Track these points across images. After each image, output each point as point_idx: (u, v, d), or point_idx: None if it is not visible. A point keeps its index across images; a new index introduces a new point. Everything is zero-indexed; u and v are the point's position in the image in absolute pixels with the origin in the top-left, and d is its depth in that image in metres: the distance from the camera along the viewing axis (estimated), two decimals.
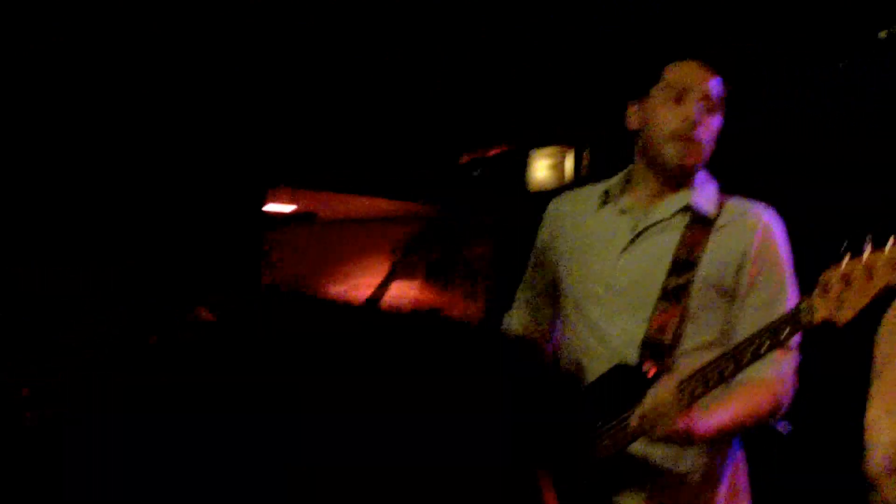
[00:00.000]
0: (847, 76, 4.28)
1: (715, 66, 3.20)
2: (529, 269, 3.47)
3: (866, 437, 2.10)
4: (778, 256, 3.14)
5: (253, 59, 5.39)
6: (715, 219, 3.15)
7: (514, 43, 5.31)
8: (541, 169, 5.53)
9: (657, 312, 3.09)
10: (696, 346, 3.07)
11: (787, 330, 2.77)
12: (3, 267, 5.25)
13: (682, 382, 2.87)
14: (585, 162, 5.61)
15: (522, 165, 5.51)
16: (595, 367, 3.14)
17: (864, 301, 2.40)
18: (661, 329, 3.08)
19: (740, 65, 3.46)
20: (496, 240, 7.13)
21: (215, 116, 5.67)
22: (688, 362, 3.00)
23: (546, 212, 3.44)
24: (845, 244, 2.57)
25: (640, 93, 3.25)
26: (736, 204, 3.20)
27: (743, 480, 3.19)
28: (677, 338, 3.08)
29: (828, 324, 2.59)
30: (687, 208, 3.16)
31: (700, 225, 3.16)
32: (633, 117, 3.25)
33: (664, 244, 3.15)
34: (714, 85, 3.16)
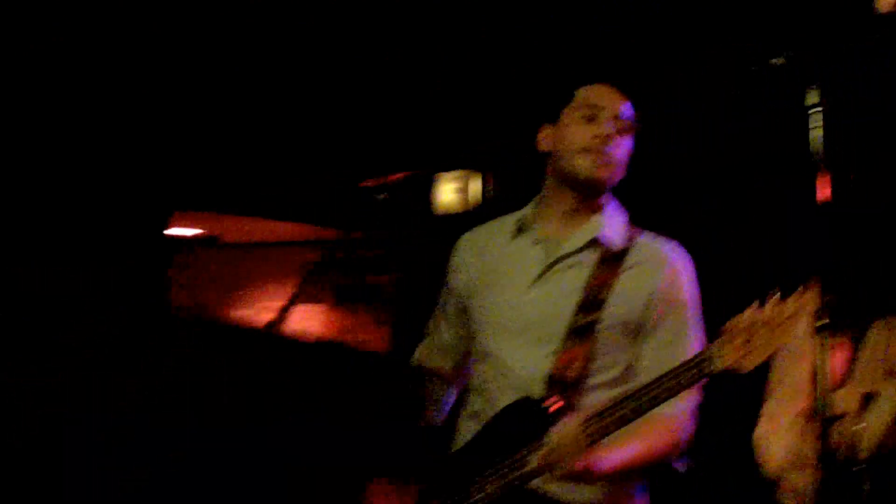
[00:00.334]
0: (745, 103, 4.35)
1: (626, 91, 3.24)
2: (441, 300, 3.46)
3: (757, 452, 2.13)
4: (683, 297, 3.16)
5: (154, 83, 5.34)
6: (624, 255, 3.17)
7: (419, 67, 5.31)
8: (446, 192, 5.53)
9: (564, 349, 3.10)
10: (601, 383, 3.09)
11: (690, 376, 2.79)
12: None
13: (586, 421, 2.88)
14: (491, 186, 5.61)
15: (428, 189, 5.50)
16: (501, 400, 3.14)
17: (768, 351, 2.40)
18: (568, 365, 3.09)
19: (650, 90, 3.50)
20: (402, 264, 7.11)
21: (115, 140, 5.60)
22: (592, 399, 3.01)
23: (457, 244, 3.44)
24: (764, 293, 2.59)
25: (552, 115, 3.27)
26: (645, 241, 3.22)
27: None
28: (583, 374, 3.09)
29: (730, 372, 2.60)
30: (596, 241, 3.18)
31: (609, 262, 3.17)
32: (545, 139, 3.26)
33: (574, 280, 3.16)
34: (625, 108, 3.20)
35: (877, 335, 1.92)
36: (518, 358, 3.14)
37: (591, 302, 3.13)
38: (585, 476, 2.90)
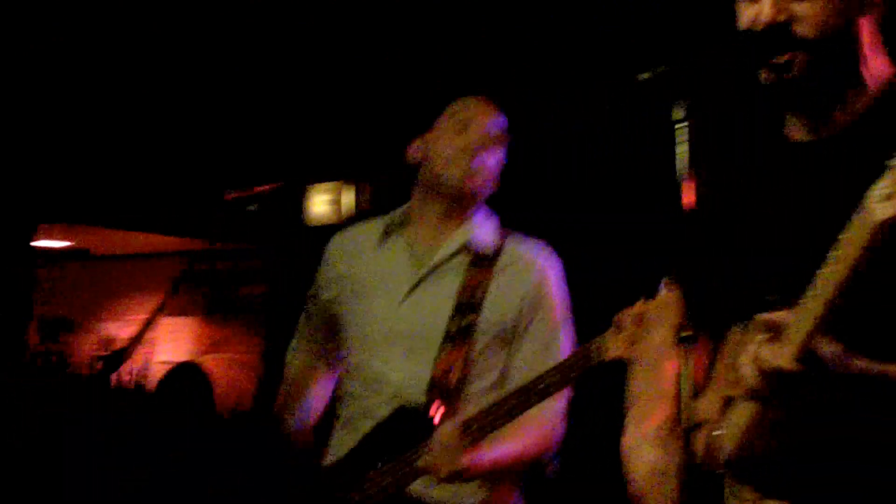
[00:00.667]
0: (613, 119, 4.42)
1: (498, 104, 3.27)
2: (310, 303, 3.43)
3: (625, 463, 2.16)
4: (553, 299, 3.19)
5: (19, 98, 5.24)
6: (495, 258, 3.20)
7: (290, 80, 5.29)
8: (318, 204, 5.51)
9: (442, 355, 3.11)
10: (482, 387, 3.10)
11: (579, 366, 2.84)
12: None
13: (466, 422, 2.90)
14: (366, 197, 5.61)
15: (300, 200, 5.48)
16: (378, 409, 3.14)
17: (656, 340, 2.45)
18: (447, 371, 3.10)
19: (522, 105, 3.54)
20: (273, 274, 7.07)
21: None
22: (474, 403, 3.03)
23: (327, 247, 3.41)
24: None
25: (424, 127, 3.28)
26: (515, 243, 3.24)
27: None
28: (462, 379, 3.10)
29: (619, 361, 2.65)
30: (466, 247, 3.19)
31: (481, 266, 3.19)
32: (416, 150, 3.26)
33: (447, 288, 3.17)
34: (497, 120, 3.22)
35: (733, 340, 1.96)
36: (394, 368, 3.13)
37: (466, 305, 3.15)
38: (464, 476, 2.91)
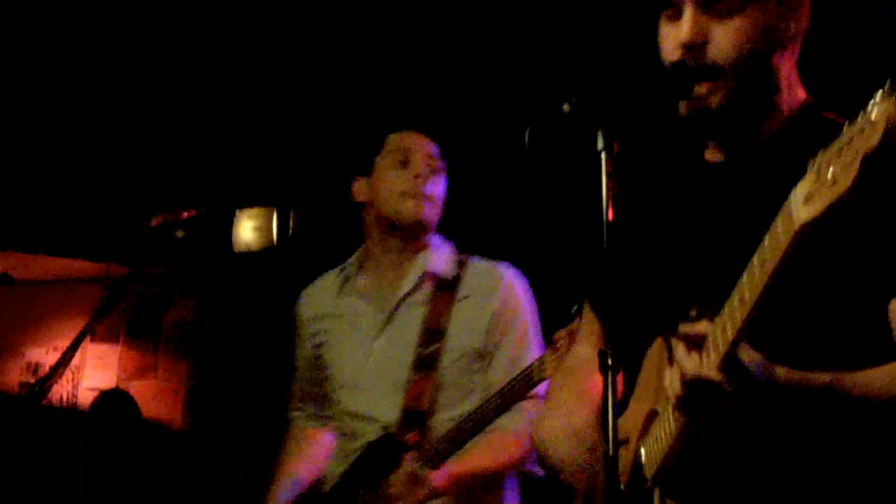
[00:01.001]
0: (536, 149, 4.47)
1: (432, 135, 3.32)
2: (298, 363, 3.49)
3: (541, 452, 2.20)
4: (520, 315, 3.25)
5: None
6: (457, 283, 3.25)
7: (216, 106, 5.29)
8: (246, 230, 5.49)
9: (412, 382, 3.16)
10: (463, 409, 3.15)
11: (520, 386, 2.90)
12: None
13: (433, 444, 2.96)
14: (292, 223, 5.59)
15: (228, 226, 5.45)
16: (363, 441, 3.26)
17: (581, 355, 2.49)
18: (418, 397, 3.16)
19: (454, 134, 3.58)
20: (200, 299, 7.02)
21: None
22: (448, 427, 3.09)
23: (295, 307, 3.47)
24: (575, 307, 2.68)
25: (364, 166, 3.32)
26: (477, 266, 3.30)
27: None
28: (433, 404, 3.15)
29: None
30: (427, 275, 3.24)
31: (444, 292, 3.25)
32: (360, 190, 3.31)
33: (416, 318, 3.24)
34: (434, 149, 3.28)
35: (656, 353, 1.99)
36: (376, 404, 3.23)
37: (433, 332, 3.21)
38: (439, 493, 3.02)
